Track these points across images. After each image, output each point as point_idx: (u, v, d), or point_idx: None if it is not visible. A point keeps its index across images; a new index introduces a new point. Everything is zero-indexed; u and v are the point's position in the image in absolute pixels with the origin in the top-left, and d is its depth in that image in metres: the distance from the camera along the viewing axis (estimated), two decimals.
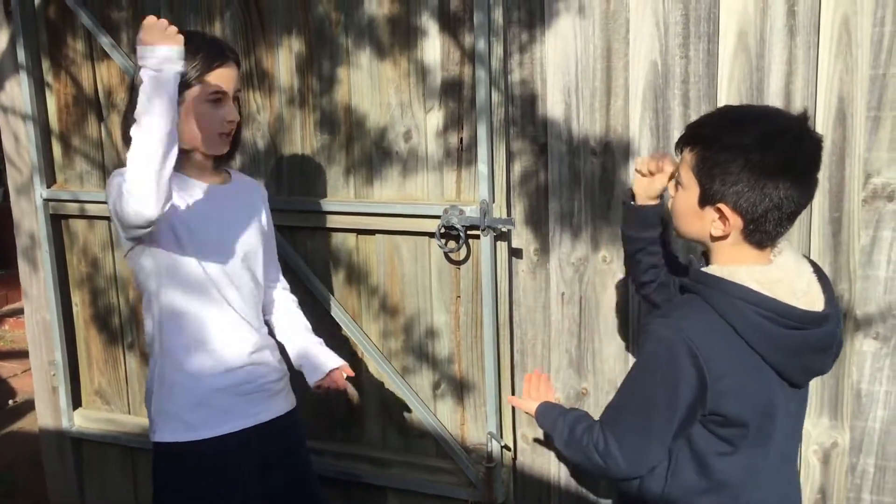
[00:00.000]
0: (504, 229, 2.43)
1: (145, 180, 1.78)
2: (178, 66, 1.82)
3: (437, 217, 2.48)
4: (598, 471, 1.69)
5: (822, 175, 2.10)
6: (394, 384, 2.71)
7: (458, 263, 2.56)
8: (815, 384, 2.22)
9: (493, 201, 2.43)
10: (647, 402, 1.57)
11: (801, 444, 1.77)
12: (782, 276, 1.54)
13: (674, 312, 1.56)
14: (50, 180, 3.09)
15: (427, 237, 2.57)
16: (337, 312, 2.73)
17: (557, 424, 1.81)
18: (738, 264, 1.55)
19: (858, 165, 2.09)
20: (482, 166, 2.41)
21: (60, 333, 3.16)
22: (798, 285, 1.55)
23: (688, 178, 1.57)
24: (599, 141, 2.32)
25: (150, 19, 1.83)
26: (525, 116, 2.40)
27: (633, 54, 2.24)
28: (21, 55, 2.96)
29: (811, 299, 1.56)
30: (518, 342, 2.54)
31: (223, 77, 1.99)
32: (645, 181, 1.89)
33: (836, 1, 2.03)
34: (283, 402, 2.22)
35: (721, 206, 1.52)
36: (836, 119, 2.08)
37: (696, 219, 1.58)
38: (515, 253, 2.48)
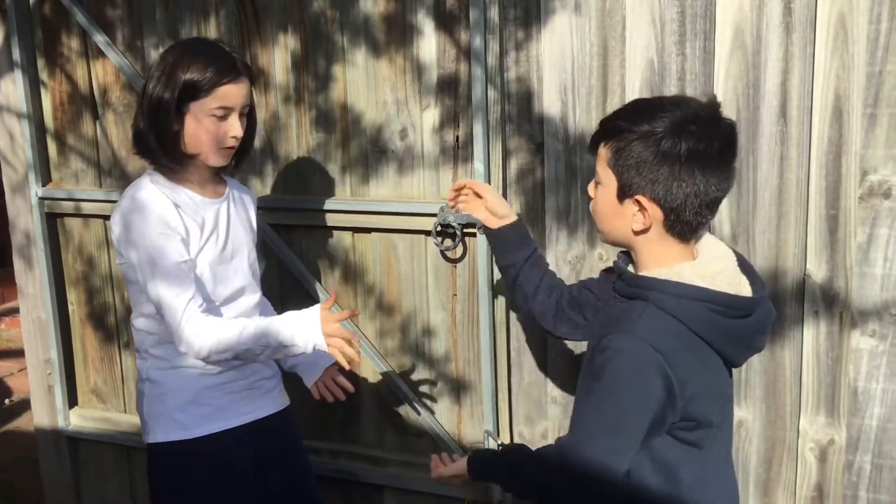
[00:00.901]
0: None
1: (213, 357, 1.92)
2: (298, 353, 1.94)
3: (434, 215, 2.48)
4: (558, 491, 1.63)
5: (819, 172, 2.11)
6: (391, 383, 2.70)
7: (454, 261, 2.56)
8: (812, 382, 2.22)
9: None
10: (617, 420, 1.51)
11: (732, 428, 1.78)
12: (720, 268, 1.55)
13: (631, 325, 1.51)
14: (45, 179, 3.08)
15: (423, 235, 2.57)
16: (333, 311, 2.71)
17: (501, 468, 1.77)
18: (669, 263, 1.54)
19: (855, 163, 2.08)
20: (478, 164, 2.40)
21: (56, 332, 3.15)
22: (732, 274, 1.56)
23: (605, 173, 1.56)
24: None
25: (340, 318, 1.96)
26: (521, 114, 2.39)
27: (629, 52, 2.24)
28: (16, 53, 2.95)
29: (737, 283, 1.56)
30: (515, 340, 2.54)
31: (232, 93, 1.97)
32: (477, 204, 2.02)
33: None
34: (275, 401, 2.23)
35: (639, 197, 1.51)
36: (833, 116, 2.08)
37: (616, 216, 1.57)
38: None
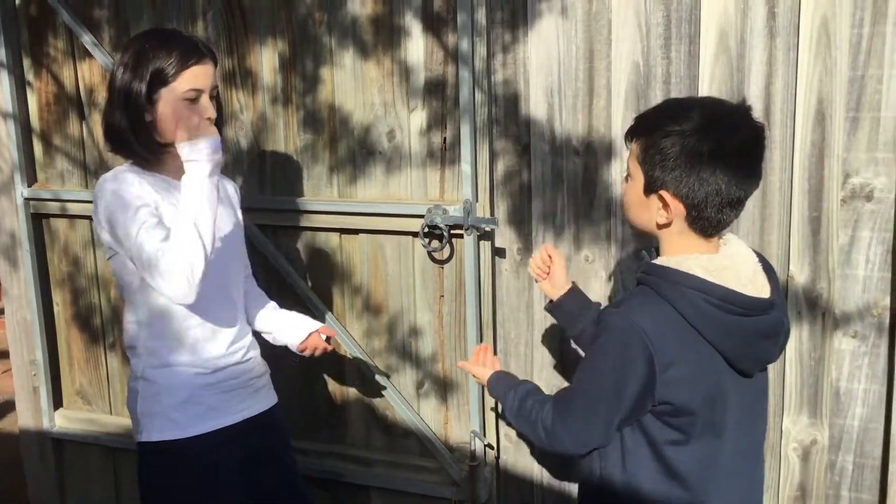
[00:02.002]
0: (487, 229, 2.44)
1: (185, 283, 1.87)
2: (220, 155, 1.94)
3: (421, 216, 2.49)
4: (541, 444, 1.75)
5: (802, 175, 2.13)
6: (377, 383, 2.71)
7: (441, 263, 2.57)
8: (794, 382, 2.24)
9: (477, 201, 2.44)
10: (596, 388, 1.61)
11: (764, 445, 1.79)
12: (728, 264, 1.58)
13: (626, 303, 1.61)
14: (31, 179, 3.07)
15: (411, 236, 2.58)
16: (320, 311, 2.72)
17: (509, 395, 1.87)
18: (686, 254, 1.59)
19: (837, 165, 2.11)
20: (465, 166, 2.42)
21: (41, 333, 3.14)
22: (744, 273, 1.59)
23: (634, 168, 1.62)
24: (582, 141, 2.33)
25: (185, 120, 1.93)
26: (508, 116, 2.41)
27: (615, 55, 2.25)
28: (1, 53, 2.94)
29: (757, 287, 1.60)
30: (501, 341, 2.55)
31: (199, 74, 1.99)
32: (546, 281, 2.07)
33: (815, 3, 2.06)
34: (265, 398, 2.25)
35: (663, 192, 1.56)
36: (816, 120, 2.11)
37: (643, 209, 1.63)
38: (499, 252, 2.49)
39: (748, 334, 1.59)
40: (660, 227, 1.62)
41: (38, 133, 3.05)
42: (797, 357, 2.23)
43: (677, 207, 1.57)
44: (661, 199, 1.57)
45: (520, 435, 2.59)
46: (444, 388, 2.66)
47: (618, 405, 1.58)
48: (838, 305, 2.17)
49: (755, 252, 1.69)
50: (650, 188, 1.59)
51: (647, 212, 1.62)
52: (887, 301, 2.13)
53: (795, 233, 2.17)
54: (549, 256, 2.06)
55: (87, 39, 2.84)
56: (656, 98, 2.22)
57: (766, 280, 1.64)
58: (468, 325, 2.51)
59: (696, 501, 1.62)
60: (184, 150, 1.92)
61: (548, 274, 2.07)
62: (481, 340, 2.52)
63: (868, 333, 2.16)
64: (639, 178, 1.61)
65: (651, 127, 1.58)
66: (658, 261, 1.62)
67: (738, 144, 1.52)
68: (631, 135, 1.64)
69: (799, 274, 2.19)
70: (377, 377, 2.70)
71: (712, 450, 1.62)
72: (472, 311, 2.50)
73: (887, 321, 2.14)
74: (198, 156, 1.91)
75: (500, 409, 2.19)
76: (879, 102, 2.05)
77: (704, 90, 2.18)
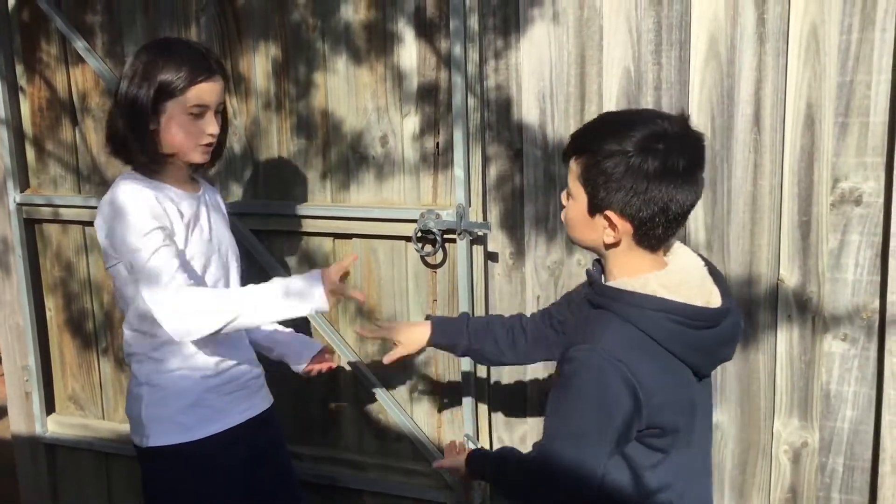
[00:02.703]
0: (480, 233, 2.45)
1: (204, 331, 1.93)
2: (308, 312, 2.00)
3: (414, 221, 2.50)
4: (540, 497, 1.65)
5: (791, 180, 2.15)
6: (370, 388, 2.72)
7: (434, 267, 2.58)
8: (785, 385, 2.26)
9: (469, 205, 2.45)
10: (584, 431, 1.52)
11: (713, 435, 1.80)
12: (684, 278, 1.56)
13: (596, 337, 1.52)
14: (23, 185, 3.07)
15: (404, 241, 2.59)
16: (313, 316, 2.73)
17: (490, 472, 1.84)
18: (638, 273, 1.55)
19: (827, 170, 2.13)
20: (458, 171, 2.43)
21: (34, 338, 3.13)
22: (694, 282, 1.57)
23: (575, 187, 1.57)
24: None
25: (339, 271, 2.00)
26: (500, 121, 2.42)
27: (606, 61, 2.27)
28: None
29: (706, 293, 1.58)
30: None
31: (207, 91, 1.99)
32: (402, 345, 2.13)
33: (804, 9, 2.08)
34: (264, 399, 2.28)
35: (609, 213, 1.52)
36: (805, 125, 2.13)
37: (588, 229, 1.58)
38: (491, 256, 2.50)
39: (713, 344, 1.57)
40: (607, 246, 1.58)
41: (31, 138, 3.05)
42: (788, 360, 2.25)
43: (624, 226, 1.52)
44: (608, 219, 1.53)
45: (513, 439, 2.60)
46: (437, 391, 2.66)
47: (606, 447, 1.52)
48: (828, 309, 2.19)
49: (700, 256, 1.66)
50: (595, 208, 1.54)
51: (593, 232, 1.57)
52: (876, 304, 2.15)
53: (785, 237, 2.19)
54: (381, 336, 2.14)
55: (79, 45, 2.84)
56: (647, 104, 2.24)
57: (713, 284, 1.61)
58: None
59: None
60: (314, 283, 1.98)
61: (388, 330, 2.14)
62: None
63: (858, 336, 2.18)
64: (581, 198, 1.56)
65: (592, 146, 1.53)
66: (616, 284, 1.56)
67: (682, 160, 1.48)
68: (570, 153, 1.58)
69: (789, 277, 2.21)
70: (370, 381, 2.71)
71: (685, 459, 1.60)
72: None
73: (876, 324, 2.15)
74: (311, 300, 1.97)
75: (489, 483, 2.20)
76: (868, 107, 2.07)
77: (695, 95, 2.20)
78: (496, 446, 2.61)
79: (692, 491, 1.64)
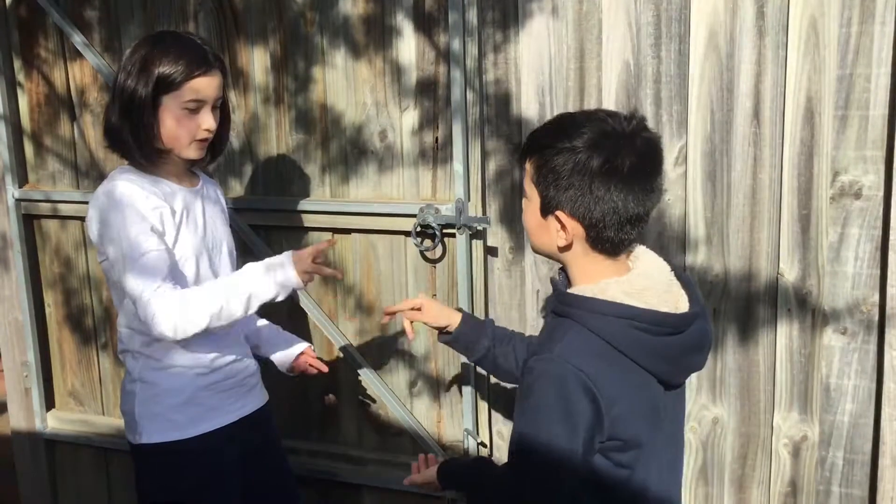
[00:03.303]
0: (479, 227, 2.45)
1: (190, 330, 1.93)
2: (286, 294, 2.02)
3: (413, 216, 2.50)
4: None
5: (791, 173, 2.15)
6: (370, 382, 2.72)
7: (433, 262, 2.58)
8: (785, 379, 2.26)
9: (469, 200, 2.45)
10: (548, 445, 1.47)
11: (683, 444, 1.76)
12: (647, 284, 1.52)
13: (554, 346, 1.49)
14: (22, 180, 3.06)
15: (403, 236, 2.58)
16: (313, 311, 2.73)
17: (465, 479, 1.83)
18: (598, 278, 1.52)
19: (826, 163, 2.13)
20: (457, 165, 2.42)
21: (33, 334, 3.13)
22: (660, 287, 1.54)
23: (530, 189, 1.56)
24: None
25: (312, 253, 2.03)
26: (500, 116, 2.42)
27: (605, 54, 2.27)
28: None
29: (673, 298, 1.54)
30: None
31: (204, 85, 1.98)
32: (419, 317, 2.04)
33: (804, 2, 2.07)
34: (259, 396, 2.27)
35: (559, 213, 1.50)
36: (805, 118, 2.12)
37: (542, 231, 1.56)
38: (491, 251, 2.50)
39: (679, 352, 1.53)
40: (561, 249, 1.55)
41: (29, 134, 3.04)
42: (787, 354, 2.25)
43: (575, 228, 1.50)
44: (558, 219, 1.50)
45: None
46: (436, 386, 2.66)
47: (572, 453, 1.46)
48: (828, 302, 2.19)
49: (660, 259, 1.62)
50: (546, 209, 1.52)
51: (547, 234, 1.54)
52: (876, 297, 2.14)
53: (785, 230, 2.19)
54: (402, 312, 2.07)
55: (77, 40, 2.84)
56: (647, 97, 2.24)
57: (680, 289, 1.58)
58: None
59: None
60: (285, 262, 2.00)
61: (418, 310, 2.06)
62: None
63: (857, 330, 2.18)
64: (535, 200, 1.54)
65: (543, 145, 1.51)
66: (576, 290, 1.53)
67: (630, 160, 1.45)
68: (524, 154, 1.57)
69: (789, 271, 2.20)
70: (370, 376, 2.71)
71: (648, 471, 1.56)
72: (465, 309, 2.50)
73: (876, 317, 2.15)
74: (286, 279, 1.99)
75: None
76: (868, 101, 2.06)
77: (694, 89, 2.19)
78: (496, 441, 2.61)
79: (654, 498, 1.59)
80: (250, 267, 2.01)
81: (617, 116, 1.50)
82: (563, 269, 1.61)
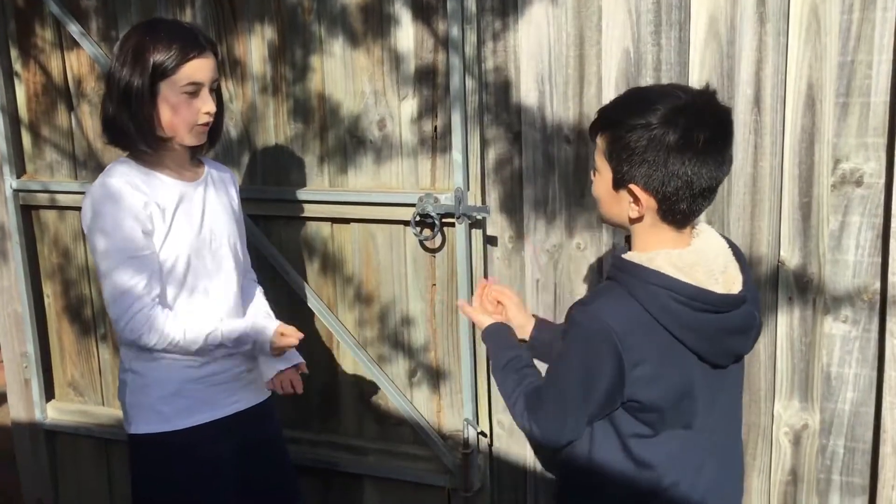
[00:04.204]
0: (479, 217, 2.44)
1: (177, 348, 2.00)
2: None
3: (412, 205, 2.49)
4: (514, 420, 1.74)
5: (792, 161, 2.14)
6: (370, 372, 2.71)
7: (433, 251, 2.57)
8: (785, 367, 2.25)
9: (468, 189, 2.44)
10: (565, 386, 1.59)
11: (740, 431, 1.79)
12: (698, 259, 1.55)
13: (594, 301, 1.58)
14: (19, 170, 3.05)
15: (402, 225, 2.57)
16: (312, 302, 2.72)
17: (499, 356, 1.83)
18: (656, 248, 1.56)
19: (827, 151, 2.11)
20: (456, 154, 2.41)
21: (32, 325, 3.13)
22: (715, 267, 1.57)
23: (601, 163, 1.59)
24: (573, 128, 2.33)
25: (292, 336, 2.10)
26: (499, 104, 2.40)
27: (605, 42, 2.25)
28: None
29: (728, 280, 1.58)
30: None
31: (199, 68, 1.96)
32: (509, 316, 1.99)
33: None
34: (256, 391, 2.23)
35: (632, 187, 1.53)
36: (806, 105, 2.11)
37: (614, 203, 1.60)
38: (490, 240, 2.49)
39: (717, 331, 1.56)
40: (632, 221, 1.59)
41: (27, 124, 3.03)
42: (788, 342, 2.24)
43: (648, 201, 1.53)
44: (632, 193, 1.54)
45: (513, 423, 2.59)
46: (436, 376, 2.66)
47: (587, 403, 1.57)
48: (829, 290, 2.18)
49: (729, 242, 1.66)
50: (619, 183, 1.56)
51: (619, 206, 1.59)
52: (877, 285, 2.14)
53: (786, 218, 2.18)
54: (496, 298, 2.00)
55: (74, 29, 2.82)
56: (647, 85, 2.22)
57: (738, 272, 1.61)
58: (460, 313, 2.51)
59: (661, 489, 1.60)
60: (266, 341, 2.09)
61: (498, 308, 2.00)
62: (473, 328, 2.52)
63: (859, 318, 2.17)
64: (606, 173, 1.58)
65: (616, 121, 1.54)
66: (628, 256, 1.58)
67: (705, 133, 1.49)
68: (595, 129, 1.60)
69: (790, 259, 2.20)
70: (369, 366, 2.70)
71: (682, 442, 1.60)
72: (464, 299, 2.50)
73: (877, 305, 2.15)
74: (259, 350, 2.10)
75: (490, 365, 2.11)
76: (869, 88, 2.05)
77: (695, 77, 2.18)
78: (496, 430, 2.61)
79: (690, 479, 1.62)
80: (243, 331, 2.08)
81: (689, 90, 1.54)
82: (628, 238, 1.66)
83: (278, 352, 2.10)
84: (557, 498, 1.82)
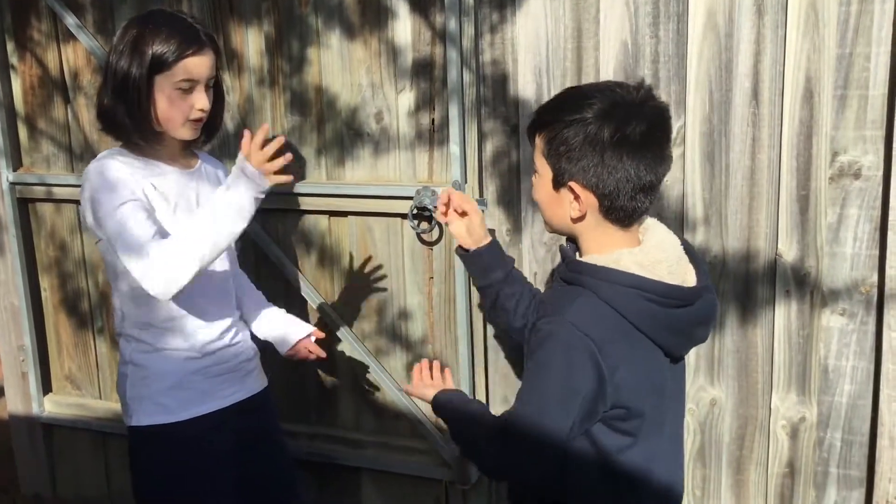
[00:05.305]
0: None
1: (182, 277, 1.86)
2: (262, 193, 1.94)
3: (410, 198, 2.48)
4: (489, 475, 1.64)
5: (790, 153, 2.13)
6: (367, 365, 2.71)
7: (430, 244, 2.56)
8: (783, 360, 2.25)
9: (466, 182, 2.43)
10: (544, 407, 1.50)
11: (684, 414, 1.78)
12: (661, 257, 1.54)
13: (564, 310, 1.51)
14: (16, 163, 3.04)
15: (399, 218, 2.57)
16: (309, 294, 2.72)
17: (456, 427, 1.74)
18: (610, 249, 1.54)
19: (825, 143, 2.11)
20: (454, 147, 2.41)
21: (29, 318, 3.12)
22: (671, 261, 1.56)
23: (541, 164, 1.57)
24: None
25: (260, 147, 1.92)
26: (496, 97, 2.40)
27: (603, 34, 2.25)
28: None
29: (682, 272, 1.57)
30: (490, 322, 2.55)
31: (196, 64, 1.95)
32: (459, 226, 1.92)
33: None
34: (256, 382, 2.24)
35: (572, 184, 1.52)
36: (804, 98, 2.11)
37: (555, 205, 1.57)
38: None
39: (686, 325, 1.56)
40: (574, 221, 1.56)
41: (23, 117, 3.02)
42: (786, 335, 2.24)
43: (588, 198, 1.51)
44: (572, 190, 1.52)
45: None
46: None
47: (569, 420, 1.48)
48: (826, 283, 2.18)
49: (670, 232, 1.64)
50: (559, 182, 1.54)
51: (560, 207, 1.56)
52: (875, 278, 2.14)
53: (784, 211, 2.18)
54: (456, 204, 1.92)
55: (70, 22, 2.81)
56: (645, 78, 2.22)
57: (688, 263, 1.60)
58: (458, 306, 2.51)
59: (637, 490, 1.58)
60: (239, 165, 1.90)
61: (462, 215, 1.92)
62: (471, 322, 2.52)
63: (856, 311, 2.17)
64: (546, 174, 1.56)
65: (552, 119, 1.53)
66: (588, 259, 1.55)
67: (641, 127, 1.47)
68: (533, 129, 1.58)
69: (787, 252, 2.20)
70: (367, 359, 2.70)
71: (654, 444, 1.58)
72: (462, 292, 2.49)
73: (875, 298, 2.15)
74: (250, 180, 1.90)
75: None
76: (867, 80, 2.05)
77: (693, 69, 2.18)
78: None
79: (660, 473, 1.61)
80: (216, 192, 1.94)
81: (624, 86, 1.52)
82: (572, 240, 1.63)
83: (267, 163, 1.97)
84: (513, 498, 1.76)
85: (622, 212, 1.53)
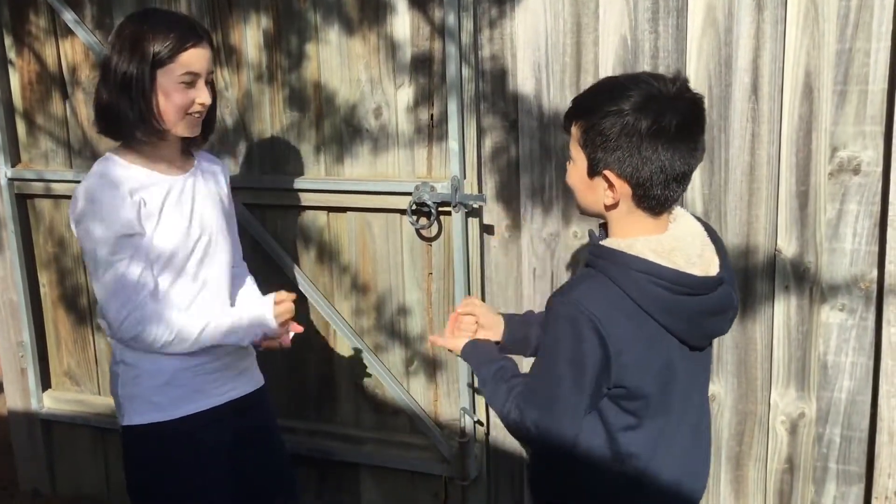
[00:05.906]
0: (475, 205, 2.43)
1: (176, 348, 2.00)
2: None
3: (409, 194, 2.48)
4: (509, 430, 1.69)
5: (789, 149, 2.13)
6: (366, 362, 2.71)
7: (429, 240, 2.56)
8: (782, 356, 2.25)
9: (465, 177, 2.43)
10: (556, 382, 1.56)
11: (709, 410, 1.79)
12: (677, 245, 1.57)
13: (574, 289, 1.57)
14: (14, 159, 3.04)
15: (398, 214, 2.57)
16: (308, 290, 2.72)
17: (482, 370, 1.78)
18: (635, 235, 1.58)
19: (825, 139, 2.11)
20: (453, 143, 2.40)
21: (28, 314, 3.12)
22: (692, 251, 1.58)
23: (576, 151, 1.60)
24: None
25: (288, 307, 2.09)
26: (496, 92, 2.39)
27: (602, 29, 2.24)
28: None
29: (705, 263, 1.59)
30: None
31: (195, 57, 1.94)
32: (482, 322, 1.90)
33: None
34: (250, 380, 2.22)
35: (607, 173, 1.54)
36: (803, 93, 2.10)
37: (589, 191, 1.61)
38: (487, 229, 2.49)
39: (697, 313, 1.59)
40: (607, 208, 1.60)
41: (21, 113, 3.01)
42: (785, 331, 2.24)
43: (623, 187, 1.54)
44: (606, 179, 1.55)
45: None
46: (433, 365, 2.66)
47: (580, 394, 1.55)
48: (826, 279, 2.18)
49: (704, 224, 1.67)
50: (594, 170, 1.57)
51: (594, 194, 1.60)
52: (874, 274, 2.13)
53: (783, 207, 2.18)
54: (469, 315, 1.91)
55: (69, 17, 2.80)
56: None
57: (714, 254, 1.63)
58: (457, 302, 2.51)
59: (645, 479, 1.61)
60: (267, 319, 2.05)
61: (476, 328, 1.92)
62: None
63: (855, 306, 2.17)
64: (581, 161, 1.59)
65: (589, 108, 1.56)
66: (606, 243, 1.59)
67: (676, 119, 1.50)
68: (570, 118, 1.62)
69: (787, 248, 2.19)
70: (366, 355, 2.70)
71: (661, 428, 1.61)
72: (461, 288, 2.49)
73: (874, 294, 2.14)
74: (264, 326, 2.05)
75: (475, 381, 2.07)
76: (867, 76, 2.04)
77: (692, 64, 2.17)
78: (493, 419, 2.61)
79: (666, 461, 1.63)
80: (240, 316, 2.07)
81: (661, 78, 1.55)
82: (603, 225, 1.67)
83: (285, 322, 2.10)
84: (532, 484, 1.81)
85: (654, 200, 1.56)
